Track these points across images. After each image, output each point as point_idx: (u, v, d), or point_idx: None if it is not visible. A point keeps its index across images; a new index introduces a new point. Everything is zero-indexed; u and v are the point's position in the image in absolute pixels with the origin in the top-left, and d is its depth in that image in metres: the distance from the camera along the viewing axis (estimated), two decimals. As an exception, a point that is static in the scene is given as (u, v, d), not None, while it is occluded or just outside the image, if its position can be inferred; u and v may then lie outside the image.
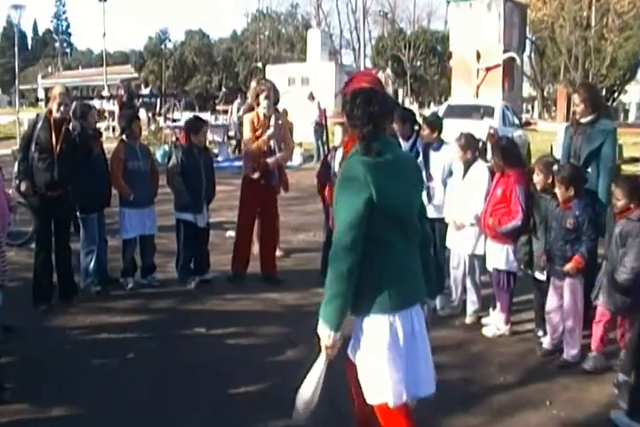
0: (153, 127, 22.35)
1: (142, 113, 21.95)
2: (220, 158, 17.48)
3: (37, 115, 6.31)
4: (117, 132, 10.18)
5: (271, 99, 6.78)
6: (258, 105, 6.88)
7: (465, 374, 4.80)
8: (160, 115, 22.50)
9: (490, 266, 5.55)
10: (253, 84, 7.42)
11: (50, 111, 6.04)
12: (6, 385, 4.47)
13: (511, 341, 5.41)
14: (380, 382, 2.93)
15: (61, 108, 5.97)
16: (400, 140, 6.12)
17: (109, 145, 7.19)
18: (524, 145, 15.56)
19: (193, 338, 5.49)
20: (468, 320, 5.78)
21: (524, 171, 5.38)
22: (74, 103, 6.61)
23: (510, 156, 5.36)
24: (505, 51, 26.63)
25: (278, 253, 7.94)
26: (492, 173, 5.47)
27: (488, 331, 5.57)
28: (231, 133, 20.01)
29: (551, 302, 5.02)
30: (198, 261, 6.93)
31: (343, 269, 2.83)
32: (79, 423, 4.15)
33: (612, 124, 5.68)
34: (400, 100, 40.61)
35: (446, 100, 31.33)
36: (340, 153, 6.81)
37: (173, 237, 7.07)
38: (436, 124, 5.98)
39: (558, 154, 6.11)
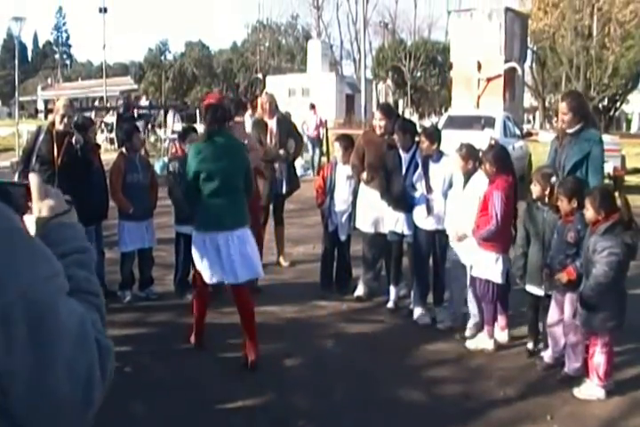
0: (152, 139, 22.36)
1: (141, 125, 22.01)
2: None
3: (39, 127, 6.30)
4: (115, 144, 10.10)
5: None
6: None
7: (464, 388, 4.75)
8: (157, 126, 22.52)
9: (475, 274, 5.50)
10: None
11: (52, 123, 6.03)
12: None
13: (512, 354, 5.35)
14: (200, 269, 5.04)
15: (64, 121, 5.96)
16: (400, 151, 6.11)
17: (107, 157, 7.17)
18: (525, 156, 15.49)
19: (190, 352, 5.44)
20: (468, 333, 5.70)
21: (511, 180, 5.34)
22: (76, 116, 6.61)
23: (501, 163, 5.34)
24: (506, 61, 26.63)
25: (284, 263, 7.92)
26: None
27: (470, 343, 5.52)
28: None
29: (552, 315, 4.96)
30: None
31: (183, 197, 5.30)
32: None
33: (598, 135, 5.59)
34: (400, 110, 40.68)
35: (447, 110, 31.35)
36: (340, 168, 6.79)
37: (171, 250, 7.02)
38: (435, 135, 5.95)
39: None
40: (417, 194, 5.98)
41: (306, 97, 35.17)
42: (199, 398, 4.59)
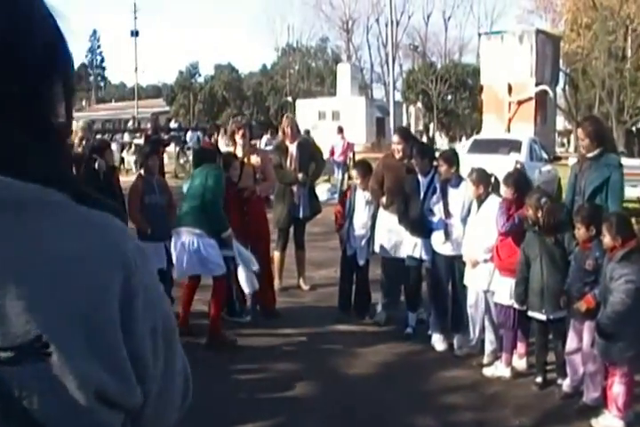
0: (182, 161, 22.53)
1: (171, 146, 22.16)
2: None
3: None
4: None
5: (247, 137, 6.81)
6: (234, 144, 6.89)
7: (479, 416, 4.67)
8: (189, 148, 22.71)
9: (495, 300, 5.42)
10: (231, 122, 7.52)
11: (71, 145, 6.13)
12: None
13: (530, 382, 5.21)
14: None
15: (83, 143, 6.07)
16: (418, 175, 6.08)
17: (126, 179, 7.26)
18: (553, 180, 15.29)
19: (203, 371, 5.40)
20: (485, 360, 5.59)
21: None
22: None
23: (522, 189, 5.27)
24: (537, 84, 26.50)
25: (305, 286, 7.90)
26: (509, 208, 5.33)
27: (487, 371, 5.43)
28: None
29: (571, 343, 4.85)
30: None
31: None
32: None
33: (618, 159, 5.56)
34: (431, 134, 40.62)
35: (478, 134, 31.21)
36: (359, 193, 6.77)
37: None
38: (452, 159, 5.91)
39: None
40: (435, 219, 5.93)
41: (336, 120, 35.29)
42: (210, 420, 4.57)
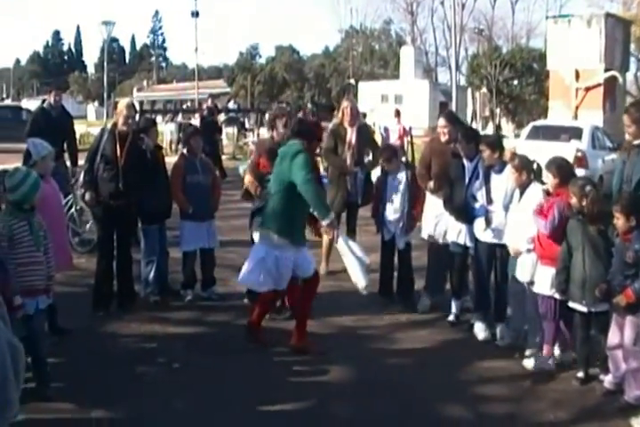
0: (241, 142, 22.65)
1: (229, 128, 22.26)
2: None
3: (103, 128, 6.51)
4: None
5: (288, 126, 6.67)
6: (273, 128, 6.67)
7: (513, 408, 4.58)
8: (247, 130, 22.81)
9: (535, 290, 5.25)
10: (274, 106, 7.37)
11: (115, 124, 6.20)
12: (52, 384, 4.60)
13: (571, 376, 5.04)
14: None
15: (128, 121, 6.12)
16: (464, 160, 5.94)
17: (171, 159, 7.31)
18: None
19: (241, 353, 5.46)
20: (527, 352, 5.44)
21: None
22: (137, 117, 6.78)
23: (564, 175, 5.08)
24: (606, 69, 25.61)
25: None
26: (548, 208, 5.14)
27: (528, 363, 5.27)
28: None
29: (612, 338, 4.68)
30: None
31: None
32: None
33: None
34: (497, 120, 39.83)
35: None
36: (390, 177, 6.64)
37: (243, 252, 6.85)
38: (495, 144, 5.73)
39: None
40: (477, 205, 5.79)
41: (398, 104, 34.87)
42: (238, 400, 4.62)
